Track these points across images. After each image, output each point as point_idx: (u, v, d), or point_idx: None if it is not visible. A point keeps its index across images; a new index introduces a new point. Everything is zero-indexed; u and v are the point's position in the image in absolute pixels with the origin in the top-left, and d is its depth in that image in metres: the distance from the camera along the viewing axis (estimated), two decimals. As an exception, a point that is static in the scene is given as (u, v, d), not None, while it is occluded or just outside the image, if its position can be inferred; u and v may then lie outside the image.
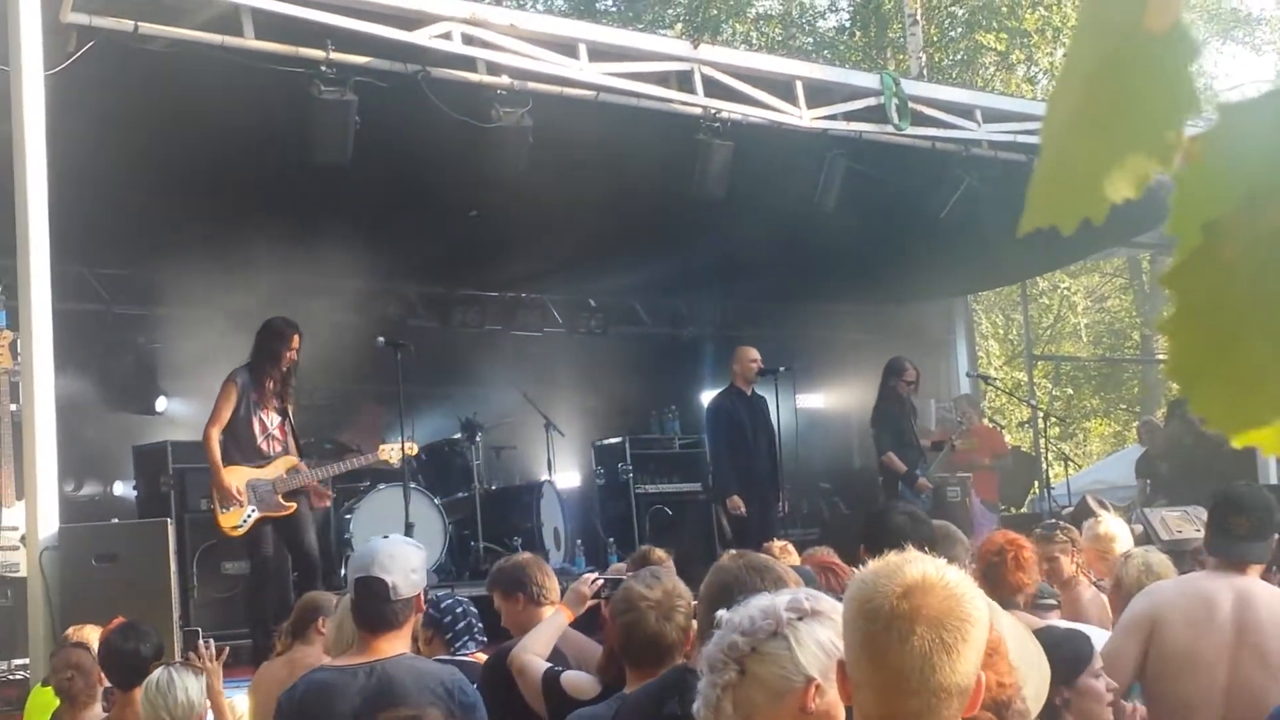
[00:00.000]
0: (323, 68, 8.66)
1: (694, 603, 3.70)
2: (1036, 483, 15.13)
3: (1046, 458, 14.75)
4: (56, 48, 7.83)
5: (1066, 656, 4.14)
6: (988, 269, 15.01)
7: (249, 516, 8.55)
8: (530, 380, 13.51)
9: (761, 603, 2.54)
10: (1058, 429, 24.03)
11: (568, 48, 9.62)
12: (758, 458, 11.07)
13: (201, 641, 5.87)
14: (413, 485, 10.25)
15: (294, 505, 8.70)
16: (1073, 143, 0.81)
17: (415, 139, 9.59)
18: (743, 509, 10.76)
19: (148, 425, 12.31)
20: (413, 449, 9.79)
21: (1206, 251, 0.77)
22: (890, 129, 11.13)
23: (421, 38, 8.88)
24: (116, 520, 9.63)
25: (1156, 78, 0.78)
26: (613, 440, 13.08)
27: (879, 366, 12.31)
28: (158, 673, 5.09)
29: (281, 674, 5.48)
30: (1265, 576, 5.11)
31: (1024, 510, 15.34)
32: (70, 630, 6.56)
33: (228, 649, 6.04)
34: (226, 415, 8.60)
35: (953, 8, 26.62)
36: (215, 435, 8.57)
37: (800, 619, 2.48)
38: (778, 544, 7.23)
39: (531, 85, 9.44)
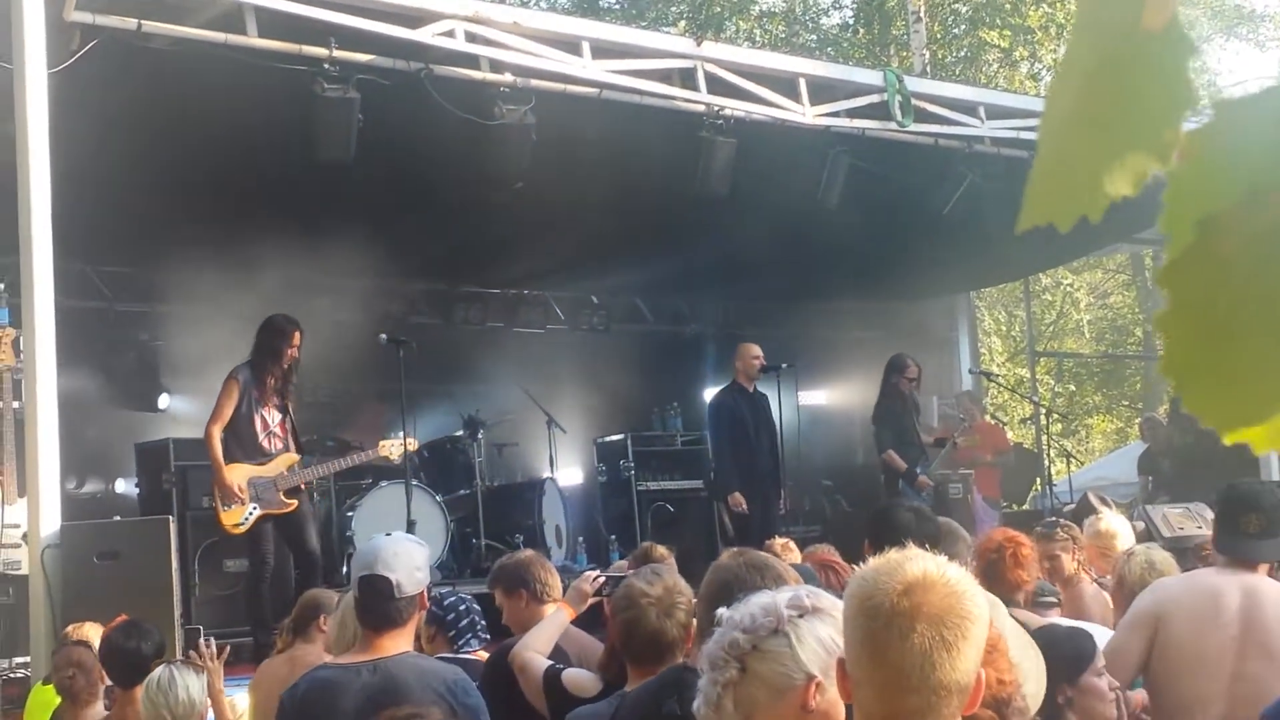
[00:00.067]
0: (326, 66, 8.67)
1: (694, 600, 3.69)
2: (1038, 479, 15.12)
3: (1049, 454, 14.75)
4: (60, 46, 7.83)
5: (1069, 655, 4.13)
6: (990, 265, 15.00)
7: (251, 514, 8.55)
8: (532, 377, 13.50)
9: (762, 600, 2.54)
10: (1060, 425, 23.99)
11: (571, 45, 9.62)
12: (759, 455, 11.06)
13: (202, 640, 5.88)
14: (415, 482, 10.25)
15: (295, 502, 8.71)
16: (1071, 140, 0.81)
17: (418, 137, 9.59)
18: (744, 506, 10.76)
19: (150, 423, 12.32)
20: (413, 445, 9.79)
21: (1202, 248, 0.77)
22: (893, 126, 11.13)
23: (424, 35, 8.89)
24: (118, 518, 9.63)
25: (1154, 76, 0.78)
26: (615, 437, 13.09)
27: (881, 363, 12.30)
28: (159, 671, 5.09)
29: (282, 672, 5.48)
30: (1270, 575, 5.08)
31: (1026, 507, 15.35)
32: (70, 628, 6.56)
33: (228, 647, 6.04)
34: (228, 413, 8.61)
35: (956, 4, 26.60)
36: (217, 433, 8.57)
37: (801, 616, 2.48)
38: (779, 541, 7.24)
39: (534, 83, 9.44)
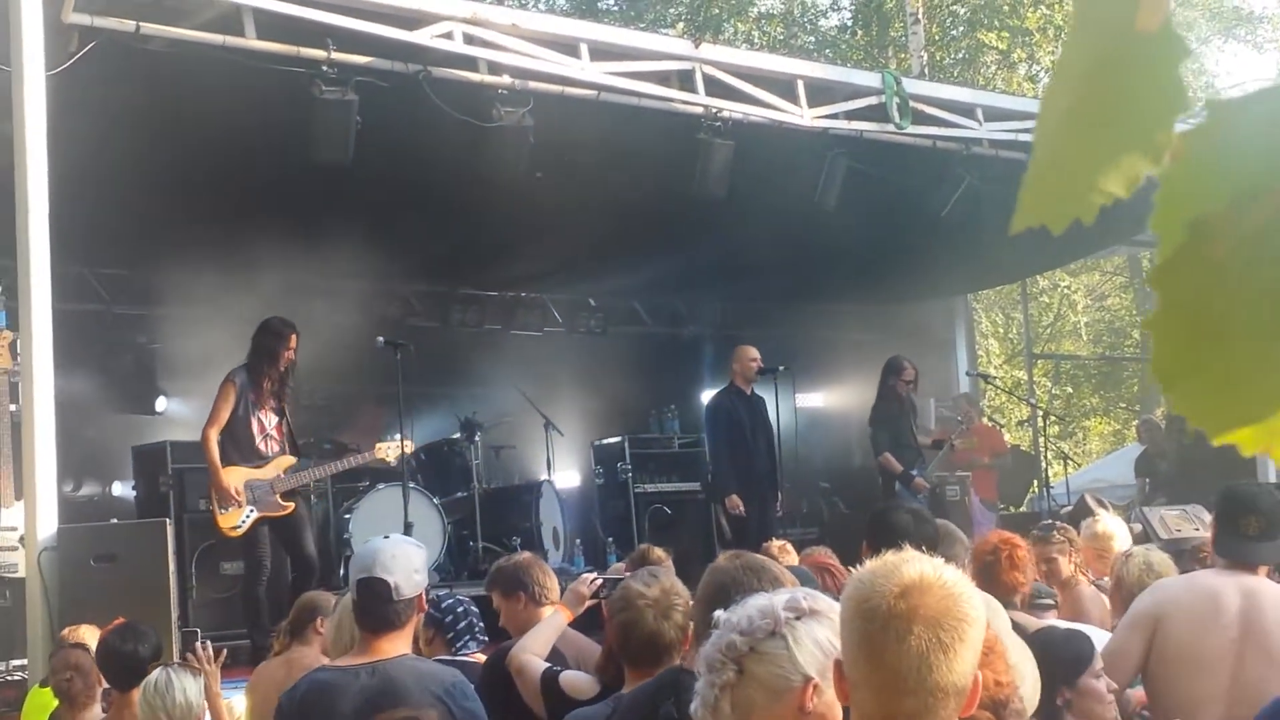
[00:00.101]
0: (324, 67, 8.67)
1: (691, 602, 3.69)
2: (1036, 481, 15.12)
3: (1046, 456, 14.74)
4: (58, 48, 7.83)
5: (1068, 657, 4.13)
6: (988, 268, 15.01)
7: (248, 517, 8.55)
8: (530, 380, 13.50)
9: (759, 602, 2.54)
10: (1057, 428, 24.03)
11: (569, 47, 9.63)
12: (757, 457, 11.06)
13: (199, 644, 5.87)
14: (412, 485, 10.25)
15: (292, 505, 8.71)
16: (1064, 142, 0.81)
17: (416, 139, 9.59)
18: (741, 508, 10.76)
19: (147, 426, 12.31)
20: (409, 447, 9.79)
21: (1193, 249, 0.77)
22: (891, 128, 11.14)
23: (423, 37, 8.89)
24: (115, 520, 9.64)
25: (1148, 77, 0.78)
26: (612, 440, 13.08)
27: (879, 366, 12.30)
28: (156, 673, 5.09)
29: (279, 674, 5.48)
30: (1269, 577, 5.08)
31: (1023, 509, 15.36)
32: (66, 631, 6.56)
33: (225, 650, 6.04)
34: (225, 416, 8.60)
35: (954, 6, 26.63)
36: (213, 436, 8.57)
37: (798, 618, 2.48)
38: (776, 543, 7.24)
39: (533, 85, 9.45)
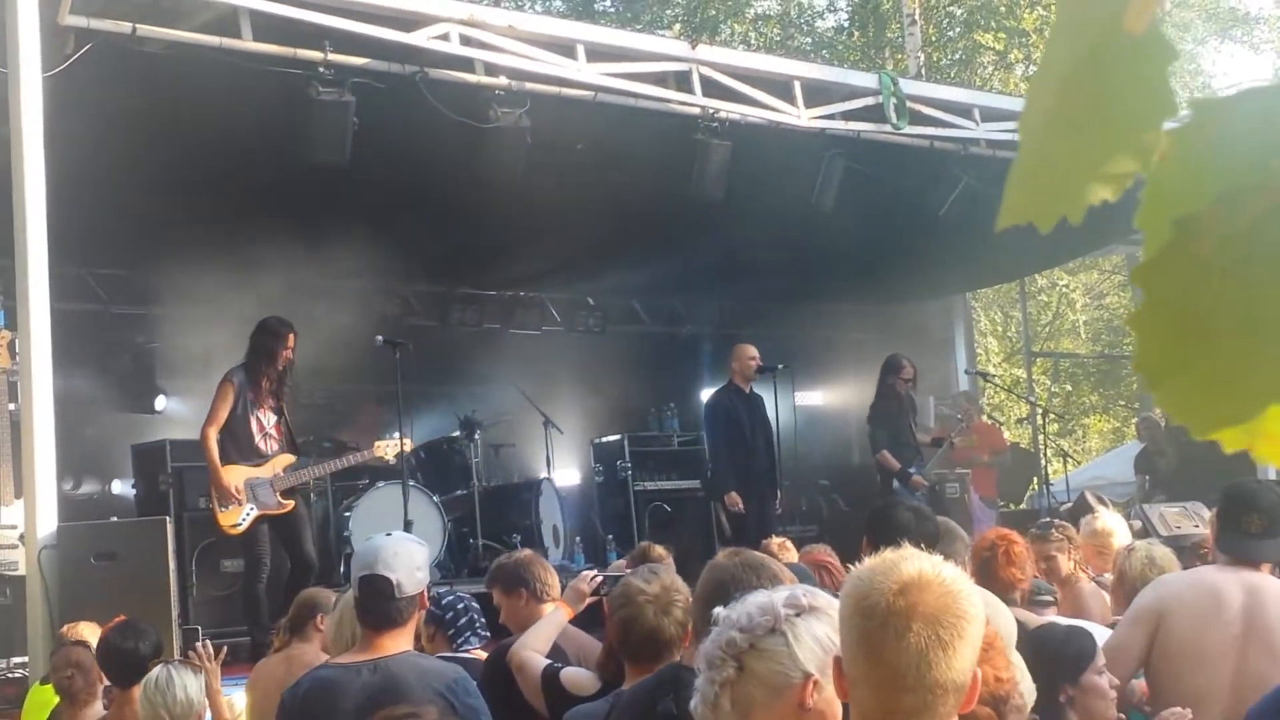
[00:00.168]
0: (321, 69, 8.67)
1: (691, 599, 3.70)
2: (1035, 479, 15.12)
3: (1045, 454, 14.74)
4: (55, 50, 7.84)
5: (1070, 654, 4.14)
6: (986, 267, 15.01)
7: (248, 515, 8.56)
8: (529, 379, 13.51)
9: (759, 599, 2.54)
10: (1056, 425, 24.02)
11: (566, 48, 9.63)
12: (755, 455, 11.07)
13: (200, 642, 5.88)
14: (412, 483, 10.25)
15: (292, 503, 8.72)
16: (1050, 141, 0.82)
17: (414, 140, 9.60)
18: (740, 506, 10.77)
19: (146, 424, 12.32)
20: (407, 445, 9.80)
21: (1178, 247, 0.77)
22: (888, 128, 11.14)
23: (419, 39, 8.90)
24: (115, 518, 9.64)
25: (1135, 79, 0.78)
26: (611, 438, 13.08)
27: (877, 364, 12.31)
28: (156, 671, 5.09)
29: (279, 671, 5.49)
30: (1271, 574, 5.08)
31: (1023, 506, 15.38)
32: (65, 628, 6.57)
33: (226, 648, 6.05)
34: (223, 415, 8.61)
35: (951, 7, 26.63)
36: (212, 435, 8.58)
37: (798, 615, 2.48)
38: (776, 541, 7.24)
39: (529, 86, 9.45)
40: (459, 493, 11.57)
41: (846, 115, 11.06)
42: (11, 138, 7.53)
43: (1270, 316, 0.76)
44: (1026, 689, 3.20)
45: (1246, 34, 31.17)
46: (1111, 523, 6.78)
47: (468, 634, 5.54)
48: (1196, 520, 9.37)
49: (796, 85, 10.75)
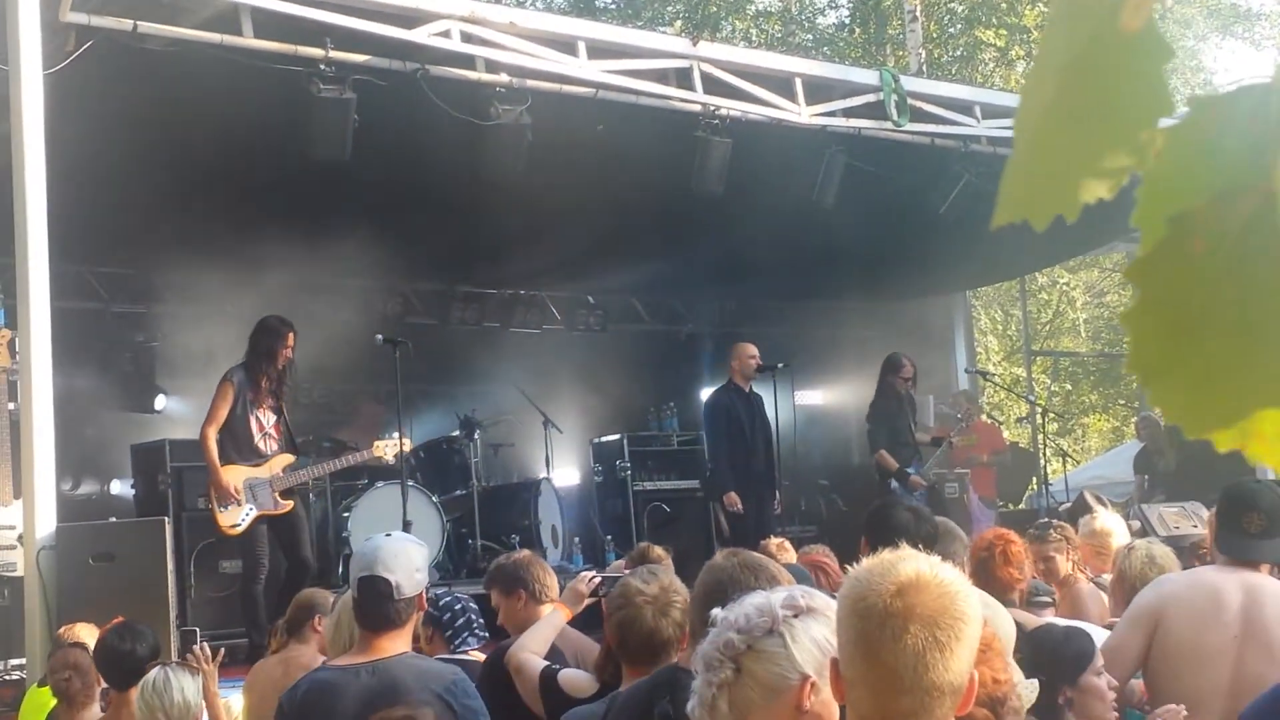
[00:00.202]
0: (322, 66, 8.66)
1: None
2: (1035, 479, 15.12)
3: (1045, 454, 14.74)
4: (55, 47, 7.83)
5: (1069, 655, 4.14)
6: (987, 265, 15.00)
7: (247, 515, 8.56)
8: (528, 378, 13.51)
9: (757, 600, 2.53)
10: (1056, 425, 24.02)
11: (567, 45, 9.62)
12: (755, 455, 11.06)
13: (198, 644, 5.87)
14: (410, 483, 10.25)
15: (291, 503, 8.72)
16: (1046, 139, 0.81)
17: (414, 137, 9.60)
18: (739, 506, 10.77)
19: (146, 424, 12.32)
20: (406, 445, 9.80)
21: (1172, 245, 0.77)
22: (889, 125, 11.13)
23: (420, 36, 8.89)
24: (114, 519, 9.63)
25: (1132, 77, 0.77)
26: (611, 438, 13.08)
27: (877, 363, 12.31)
28: (154, 672, 5.08)
29: (276, 672, 5.49)
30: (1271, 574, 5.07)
31: (1022, 506, 15.37)
32: (63, 630, 6.56)
33: (223, 650, 6.04)
34: (223, 415, 8.61)
35: (952, 4, 26.64)
36: (212, 435, 8.58)
37: (796, 616, 2.48)
38: (775, 541, 7.24)
39: (530, 83, 9.44)
40: (458, 493, 11.57)
41: (847, 112, 11.05)
42: (12, 135, 7.52)
43: (1262, 316, 0.76)
44: (1024, 688, 3.19)
45: (1248, 30, 31.16)
46: (1110, 523, 6.78)
47: (465, 635, 5.54)
48: (1195, 520, 9.37)
49: (797, 82, 10.74)
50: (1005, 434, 18.45)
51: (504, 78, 9.38)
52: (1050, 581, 5.94)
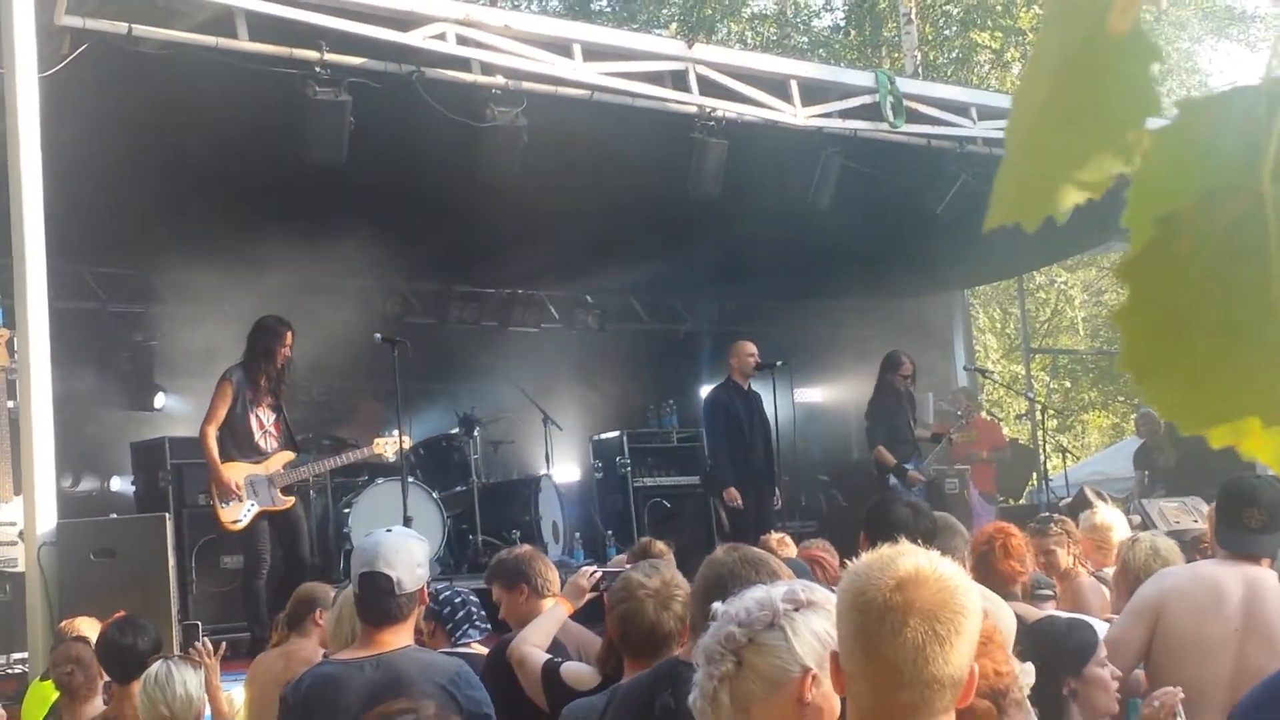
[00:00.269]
0: (317, 69, 8.67)
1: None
2: (1035, 475, 15.14)
3: (1044, 450, 14.76)
4: (50, 50, 7.83)
5: (1073, 646, 4.15)
6: (984, 264, 15.02)
7: (249, 511, 8.59)
8: (528, 376, 13.53)
9: (758, 594, 2.55)
10: (1055, 421, 24.04)
11: (562, 48, 9.63)
12: (754, 451, 11.09)
13: (199, 638, 5.89)
14: (411, 479, 10.26)
15: (292, 500, 8.76)
16: (1037, 140, 0.82)
17: (410, 139, 9.60)
18: (739, 501, 10.80)
19: (146, 421, 12.34)
20: (406, 442, 9.82)
21: (1161, 245, 0.78)
22: (885, 127, 11.13)
23: (415, 38, 8.89)
24: (115, 515, 9.64)
25: (1119, 79, 0.79)
26: (610, 435, 13.10)
27: (876, 361, 12.33)
28: (156, 666, 5.10)
29: (277, 666, 5.50)
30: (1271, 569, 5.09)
31: (1022, 502, 15.37)
32: (64, 624, 6.57)
33: (225, 644, 6.06)
34: (222, 414, 8.63)
35: (947, 6, 26.62)
36: (212, 433, 8.60)
37: (797, 610, 2.49)
38: (775, 536, 7.25)
39: (526, 85, 9.45)
40: (458, 489, 11.58)
41: (843, 114, 11.06)
42: (8, 137, 7.54)
43: (1247, 316, 0.77)
44: (1021, 674, 3.22)
45: (1243, 32, 31.11)
46: (1110, 518, 6.80)
47: (466, 627, 5.55)
48: (1195, 515, 9.39)
49: (793, 84, 10.74)
50: (1005, 431, 18.46)
51: (499, 80, 9.39)
52: (1051, 575, 5.97)
